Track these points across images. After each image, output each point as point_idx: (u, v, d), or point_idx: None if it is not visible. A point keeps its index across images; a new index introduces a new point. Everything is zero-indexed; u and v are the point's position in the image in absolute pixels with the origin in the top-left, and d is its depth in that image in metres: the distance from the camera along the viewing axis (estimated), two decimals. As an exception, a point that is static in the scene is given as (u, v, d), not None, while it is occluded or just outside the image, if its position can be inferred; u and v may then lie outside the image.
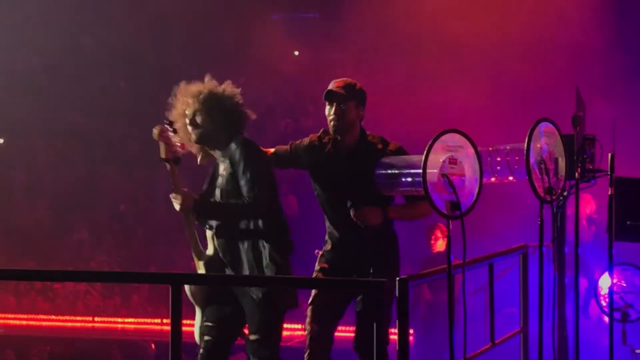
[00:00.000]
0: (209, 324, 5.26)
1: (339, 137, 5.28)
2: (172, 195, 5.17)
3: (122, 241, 17.43)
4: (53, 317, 15.04)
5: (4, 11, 19.29)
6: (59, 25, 19.82)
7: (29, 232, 18.07)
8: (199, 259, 5.28)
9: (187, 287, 5.20)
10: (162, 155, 5.14)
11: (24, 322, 14.96)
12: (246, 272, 5.10)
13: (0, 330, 14.43)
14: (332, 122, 5.22)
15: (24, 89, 19.76)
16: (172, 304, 4.23)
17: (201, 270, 5.27)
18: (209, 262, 5.25)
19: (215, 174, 5.42)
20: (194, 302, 5.31)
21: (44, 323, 14.88)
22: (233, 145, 5.17)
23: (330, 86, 5.24)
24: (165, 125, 5.15)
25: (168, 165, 5.19)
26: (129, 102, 20.05)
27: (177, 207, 5.17)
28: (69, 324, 14.79)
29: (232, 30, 17.67)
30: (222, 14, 17.96)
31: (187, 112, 5.31)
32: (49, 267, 15.85)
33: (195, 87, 5.41)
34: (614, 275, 6.85)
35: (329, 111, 5.23)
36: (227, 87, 5.41)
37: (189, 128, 5.30)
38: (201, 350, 5.27)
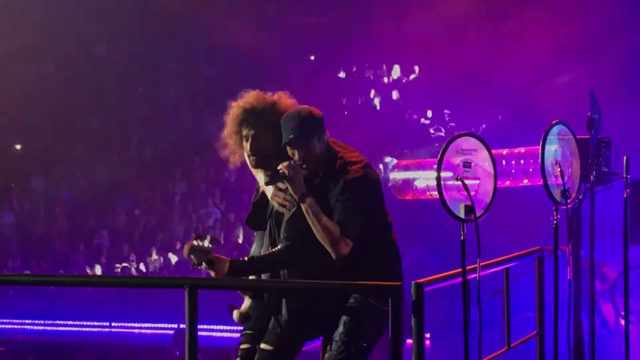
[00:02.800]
0: (248, 332, 5.23)
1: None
2: (204, 267, 5.04)
3: (139, 246, 17.49)
4: (70, 322, 15.09)
5: (18, 17, 19.39)
6: (74, 32, 19.91)
7: (46, 236, 18.16)
8: (243, 293, 5.26)
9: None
10: (195, 263, 5.01)
11: (41, 327, 15.03)
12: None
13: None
14: (303, 167, 4.92)
15: (40, 95, 19.88)
16: (188, 308, 4.25)
17: (247, 300, 5.24)
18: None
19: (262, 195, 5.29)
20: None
21: (61, 328, 14.94)
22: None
23: (283, 130, 4.93)
24: (194, 241, 4.98)
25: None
26: (146, 107, 20.14)
27: (212, 275, 5.07)
28: (87, 329, 14.84)
29: (249, 36, 17.71)
30: (239, 19, 18.01)
31: (244, 132, 5.08)
32: (65, 272, 15.96)
33: (258, 100, 5.12)
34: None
35: (293, 154, 4.94)
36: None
37: (248, 151, 5.07)
38: (237, 359, 5.24)
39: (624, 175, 5.66)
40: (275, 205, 5.03)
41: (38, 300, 15.82)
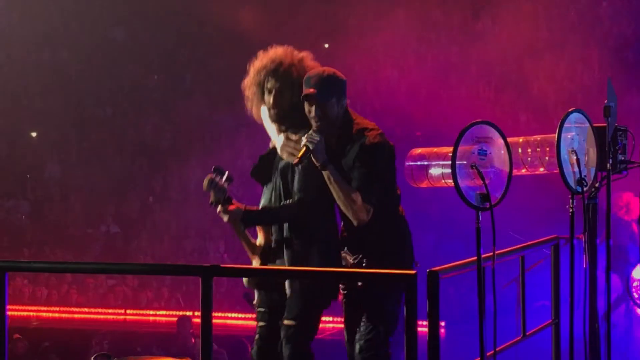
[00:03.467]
0: (262, 309, 5.25)
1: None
2: (219, 210, 5.08)
3: (153, 234, 17.54)
4: (85, 309, 15.15)
5: (34, 4, 19.43)
6: (90, 18, 19.95)
7: (61, 224, 18.23)
8: (253, 253, 5.27)
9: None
10: (212, 199, 5.06)
11: (57, 315, 15.09)
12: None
13: (35, 322, 14.57)
14: (315, 124, 4.97)
15: (55, 83, 19.93)
16: (203, 295, 4.24)
17: (256, 262, 5.25)
18: (263, 253, 5.24)
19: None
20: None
21: (75, 315, 15.00)
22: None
23: (305, 85, 4.96)
24: (214, 175, 5.04)
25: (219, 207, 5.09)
26: (160, 95, 20.16)
27: (225, 219, 5.10)
28: (101, 317, 14.89)
29: (264, 25, 17.69)
30: (253, 6, 17.99)
31: (268, 85, 5.10)
32: (80, 260, 16.01)
33: (286, 55, 5.13)
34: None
35: (309, 111, 4.98)
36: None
37: (270, 104, 5.09)
38: (256, 336, 5.27)
39: (641, 164, 5.62)
40: (285, 156, 5.04)
41: (52, 287, 15.91)
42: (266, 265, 5.21)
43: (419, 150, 4.87)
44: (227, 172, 5.03)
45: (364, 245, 5.01)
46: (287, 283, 5.04)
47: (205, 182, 5.01)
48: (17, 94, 20.00)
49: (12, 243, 17.47)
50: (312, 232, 5.03)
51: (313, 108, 4.95)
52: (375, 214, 4.89)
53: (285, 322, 5.04)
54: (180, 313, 12.61)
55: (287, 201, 5.04)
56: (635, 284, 7.45)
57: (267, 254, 5.20)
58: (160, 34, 20.25)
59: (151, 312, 14.84)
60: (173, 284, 15.48)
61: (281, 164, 5.10)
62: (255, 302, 5.25)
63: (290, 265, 5.03)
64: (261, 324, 5.26)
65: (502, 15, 16.05)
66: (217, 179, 4.99)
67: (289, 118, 5.07)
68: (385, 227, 5.02)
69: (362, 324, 4.99)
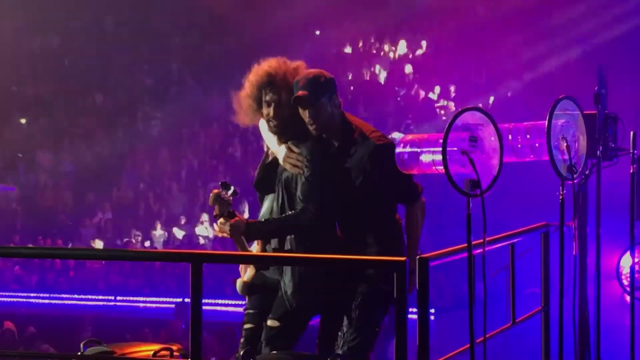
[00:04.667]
0: (251, 311, 5.22)
1: (324, 136, 5.05)
2: (220, 222, 5.06)
3: (144, 221, 17.53)
4: (75, 295, 15.14)
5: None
6: (79, 5, 19.89)
7: (51, 210, 18.20)
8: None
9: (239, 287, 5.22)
10: (217, 212, 5.06)
11: (46, 301, 15.08)
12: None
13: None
14: (311, 127, 4.95)
15: (46, 69, 19.87)
16: (192, 282, 4.24)
17: (251, 270, 5.23)
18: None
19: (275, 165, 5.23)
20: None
21: (66, 302, 14.99)
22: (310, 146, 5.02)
23: (295, 90, 4.94)
24: (221, 190, 5.06)
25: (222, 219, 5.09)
26: (152, 82, 20.12)
27: (228, 235, 5.08)
28: (91, 303, 14.89)
29: (254, 10, 17.66)
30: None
31: (267, 97, 5.05)
32: (71, 246, 15.99)
33: (281, 66, 5.10)
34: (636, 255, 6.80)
35: (304, 115, 4.95)
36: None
37: (270, 115, 5.05)
38: (242, 339, 5.23)
39: (631, 151, 5.63)
40: (288, 167, 5.01)
41: (43, 274, 15.90)
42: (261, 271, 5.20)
43: (409, 137, 4.84)
44: (232, 187, 5.05)
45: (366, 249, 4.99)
46: (285, 287, 5.01)
47: (212, 197, 5.00)
48: (7, 80, 19.93)
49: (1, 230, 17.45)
50: (314, 243, 5.01)
51: (306, 112, 4.93)
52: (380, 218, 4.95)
53: (269, 322, 5.00)
54: (171, 300, 12.64)
55: (290, 212, 5.02)
56: (624, 271, 7.46)
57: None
58: (149, 21, 20.19)
59: (141, 299, 14.84)
60: (166, 271, 15.48)
61: (285, 174, 5.07)
62: (239, 286, 5.23)
63: (292, 276, 5.00)
64: (248, 326, 5.19)
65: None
66: (223, 193, 5.00)
67: (290, 129, 5.04)
68: (388, 230, 5.04)
69: (346, 329, 4.94)
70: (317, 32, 19.71)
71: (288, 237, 5.06)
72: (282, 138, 5.08)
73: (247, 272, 5.22)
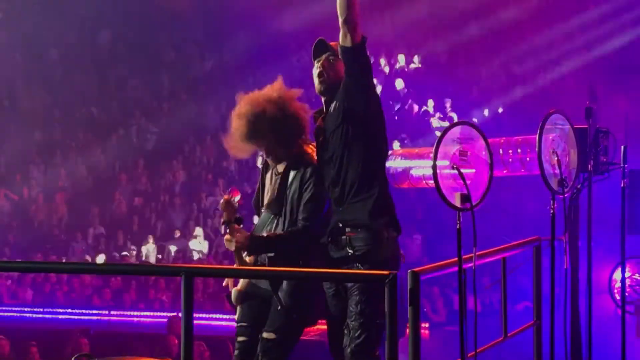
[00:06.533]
0: (243, 324, 5.23)
1: (323, 98, 5.05)
2: (226, 238, 5.12)
3: (138, 235, 17.51)
4: (70, 310, 15.10)
5: (21, 4, 19.39)
6: (77, 19, 19.93)
7: (46, 225, 18.17)
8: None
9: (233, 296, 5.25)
10: (225, 218, 5.13)
11: (40, 315, 15.03)
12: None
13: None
14: (318, 79, 4.97)
15: (42, 82, 19.87)
16: (184, 295, 4.24)
17: (244, 280, 5.25)
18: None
19: (264, 177, 5.38)
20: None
21: (60, 316, 14.94)
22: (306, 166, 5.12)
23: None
24: (230, 196, 5.16)
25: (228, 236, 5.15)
26: (147, 96, 20.13)
27: (231, 249, 5.13)
28: (86, 317, 14.84)
29: (247, 27, 17.70)
30: (237, 10, 18.00)
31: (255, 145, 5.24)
32: (65, 260, 15.96)
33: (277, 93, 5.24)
34: (627, 269, 6.82)
35: (316, 66, 4.99)
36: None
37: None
38: (236, 352, 5.24)
39: (622, 165, 5.65)
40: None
41: (36, 288, 15.86)
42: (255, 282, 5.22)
43: (400, 151, 4.87)
44: (239, 195, 5.15)
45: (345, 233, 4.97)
46: (278, 297, 5.03)
47: (222, 203, 5.09)
48: (1, 94, 19.94)
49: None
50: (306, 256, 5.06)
51: (321, 61, 4.97)
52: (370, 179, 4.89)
53: (265, 334, 5.02)
54: (166, 314, 12.59)
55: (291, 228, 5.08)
56: (616, 285, 7.47)
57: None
58: (144, 36, 20.23)
59: (136, 313, 14.80)
60: (159, 285, 15.45)
61: (292, 189, 5.14)
62: (233, 295, 5.25)
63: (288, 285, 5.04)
64: (242, 339, 5.21)
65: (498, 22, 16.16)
66: (232, 199, 5.08)
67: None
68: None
69: (351, 326, 4.93)
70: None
71: None
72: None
73: (240, 281, 5.24)
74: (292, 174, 5.17)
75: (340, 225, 4.89)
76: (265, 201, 5.28)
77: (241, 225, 5.07)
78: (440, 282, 11.58)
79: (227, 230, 5.09)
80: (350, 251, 4.82)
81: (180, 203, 17.83)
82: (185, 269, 4.37)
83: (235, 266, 5.20)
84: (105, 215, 18.24)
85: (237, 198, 5.11)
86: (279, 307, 5.02)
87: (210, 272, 5.28)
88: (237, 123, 5.21)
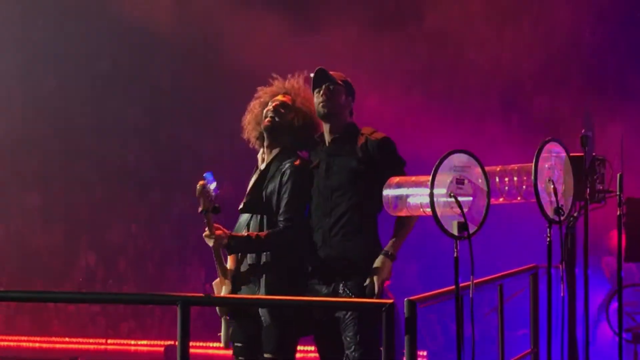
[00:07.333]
0: (239, 344, 5.25)
1: (328, 126, 5.19)
2: (205, 234, 5.12)
3: (135, 262, 17.46)
4: (67, 339, 15.04)
5: (19, 33, 19.42)
6: (75, 49, 19.94)
7: (42, 253, 18.12)
8: (225, 277, 5.27)
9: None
10: (202, 207, 5.11)
11: (37, 345, 14.97)
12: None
13: None
14: (321, 104, 5.14)
15: (39, 111, 19.87)
16: (180, 324, 4.25)
17: (226, 287, 5.25)
18: (233, 277, 5.25)
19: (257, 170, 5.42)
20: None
21: (57, 345, 14.89)
22: (288, 163, 5.18)
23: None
24: (206, 180, 5.13)
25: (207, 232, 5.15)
26: (145, 124, 20.12)
27: (210, 244, 5.14)
28: (82, 346, 14.78)
29: (249, 56, 17.73)
30: (237, 39, 18.03)
31: (279, 97, 5.39)
32: (61, 289, 15.91)
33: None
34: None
35: (318, 95, 5.19)
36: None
37: (270, 111, 5.32)
38: None
39: (618, 193, 5.65)
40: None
41: (33, 316, 15.80)
42: (236, 288, 5.22)
43: (396, 179, 4.87)
44: (215, 182, 5.13)
45: (336, 273, 5.02)
46: (261, 311, 5.06)
47: (198, 188, 5.08)
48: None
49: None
50: (286, 259, 5.08)
51: (322, 90, 5.17)
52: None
53: (265, 355, 5.05)
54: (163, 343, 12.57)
55: (271, 229, 5.09)
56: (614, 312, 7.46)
57: (236, 278, 5.22)
58: (145, 65, 20.24)
59: (132, 342, 14.75)
60: (158, 313, 15.41)
61: (269, 188, 5.18)
62: (228, 336, 5.24)
63: (267, 291, 5.05)
64: (240, 359, 5.24)
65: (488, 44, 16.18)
66: (207, 186, 5.05)
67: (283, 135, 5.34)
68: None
69: (351, 357, 4.92)
70: (311, 75, 19.81)
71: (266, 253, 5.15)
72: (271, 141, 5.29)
73: (223, 290, 5.23)
74: (272, 169, 5.21)
75: (328, 261, 4.98)
76: (244, 200, 5.33)
77: (219, 213, 5.08)
78: (438, 310, 11.56)
79: (205, 221, 5.09)
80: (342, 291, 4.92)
81: (178, 231, 17.79)
82: (182, 298, 4.38)
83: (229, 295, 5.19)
84: (103, 243, 18.19)
85: (212, 186, 5.08)
86: (265, 326, 5.05)
87: (207, 301, 5.26)
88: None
